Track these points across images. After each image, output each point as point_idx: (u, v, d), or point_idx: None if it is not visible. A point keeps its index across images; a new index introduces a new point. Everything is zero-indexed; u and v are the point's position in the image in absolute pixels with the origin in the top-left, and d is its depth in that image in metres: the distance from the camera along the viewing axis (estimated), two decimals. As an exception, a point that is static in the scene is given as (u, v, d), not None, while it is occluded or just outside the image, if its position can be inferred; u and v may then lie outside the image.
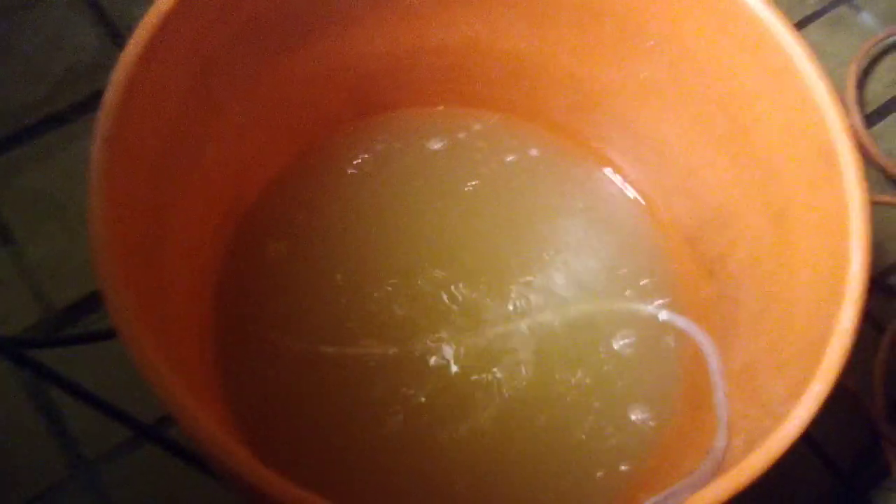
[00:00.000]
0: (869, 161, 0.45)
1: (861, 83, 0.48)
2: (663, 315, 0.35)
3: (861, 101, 0.48)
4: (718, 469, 0.24)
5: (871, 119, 0.48)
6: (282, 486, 0.20)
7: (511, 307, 0.36)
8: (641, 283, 0.37)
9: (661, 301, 0.36)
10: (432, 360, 0.34)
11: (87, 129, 0.45)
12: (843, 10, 0.52)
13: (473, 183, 0.39)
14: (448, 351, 0.35)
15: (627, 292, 0.37)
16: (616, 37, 0.35)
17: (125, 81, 0.24)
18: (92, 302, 0.40)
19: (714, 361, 0.30)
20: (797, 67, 0.29)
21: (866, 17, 0.51)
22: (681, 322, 0.34)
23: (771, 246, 0.30)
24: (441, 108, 0.41)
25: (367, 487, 0.32)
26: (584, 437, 0.33)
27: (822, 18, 0.52)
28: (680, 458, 0.30)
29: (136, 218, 0.25)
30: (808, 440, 0.39)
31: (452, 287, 0.36)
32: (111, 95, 0.24)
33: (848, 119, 0.28)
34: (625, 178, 0.40)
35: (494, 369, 0.34)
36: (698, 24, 0.32)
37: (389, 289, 0.36)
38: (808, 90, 0.28)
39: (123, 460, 0.37)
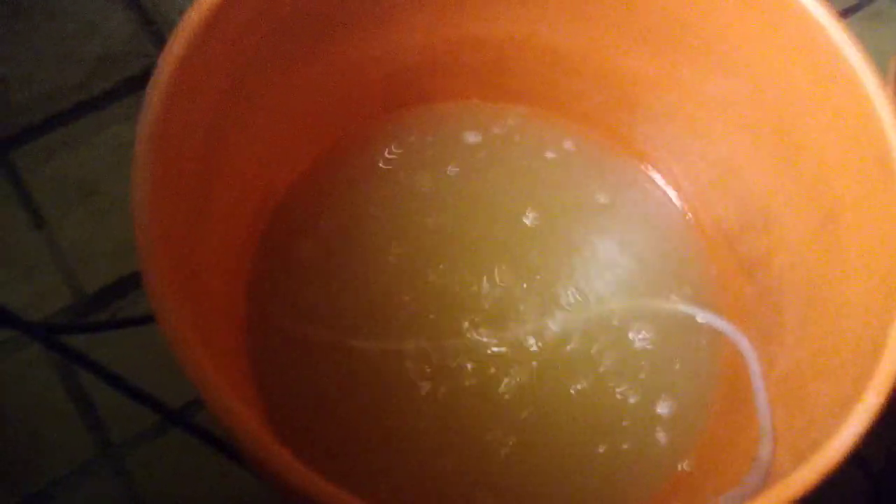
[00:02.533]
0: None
1: (902, 79, 0.47)
2: (701, 316, 0.34)
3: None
4: (764, 480, 0.23)
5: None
6: (317, 485, 0.20)
7: (545, 304, 0.35)
8: (678, 283, 0.36)
9: (697, 301, 0.36)
10: (463, 356, 0.34)
11: (120, 115, 0.45)
12: (882, 3, 0.51)
13: (508, 177, 0.38)
14: (480, 347, 0.34)
15: (664, 291, 0.36)
16: (659, 33, 0.34)
17: (169, 81, 0.24)
18: (123, 286, 0.41)
19: (755, 366, 0.29)
20: (849, 65, 0.28)
21: (907, 11, 0.50)
22: (720, 323, 0.34)
23: (818, 250, 0.29)
24: (475, 101, 0.40)
25: (394, 481, 0.32)
26: (615, 439, 0.33)
27: (861, 12, 0.51)
28: (718, 464, 0.29)
29: (177, 213, 0.25)
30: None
31: (486, 282, 0.36)
32: (155, 95, 0.24)
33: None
34: (663, 175, 0.39)
35: (526, 366, 0.34)
36: (744, 20, 0.31)
37: (422, 283, 0.35)
38: (861, 89, 0.27)
39: (150, 444, 0.37)
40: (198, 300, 0.25)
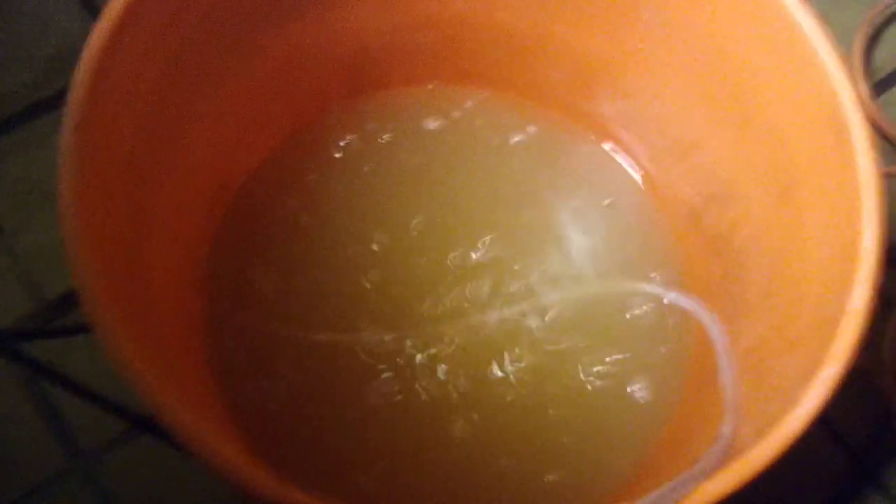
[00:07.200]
0: (876, 131, 0.44)
1: (867, 52, 0.47)
2: (668, 295, 0.34)
3: (868, 70, 0.46)
4: (726, 457, 0.23)
5: (878, 88, 0.47)
6: (258, 481, 0.20)
7: (513, 290, 0.35)
8: (646, 263, 0.36)
9: (664, 280, 0.35)
10: (430, 347, 0.34)
11: (75, 116, 0.44)
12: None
13: (469, 163, 0.38)
14: (446, 336, 0.34)
15: (631, 271, 0.36)
16: (612, 9, 0.33)
17: (93, 68, 0.23)
18: (84, 292, 0.40)
19: (720, 343, 0.29)
20: (804, 35, 0.27)
21: (872, -16, 0.49)
22: (685, 302, 0.33)
23: (778, 222, 0.29)
24: (432, 85, 0.39)
25: (362, 479, 0.31)
26: (584, 422, 0.32)
27: (827, -13, 0.50)
28: (686, 444, 0.29)
29: (112, 210, 0.24)
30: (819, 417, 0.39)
31: (450, 270, 0.35)
32: (79, 83, 0.23)
33: (856, 89, 0.26)
34: (626, 153, 0.38)
35: (494, 354, 0.34)
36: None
37: (384, 273, 0.35)
38: (816, 59, 0.27)
39: (121, 451, 0.37)
40: (143, 304, 0.24)
